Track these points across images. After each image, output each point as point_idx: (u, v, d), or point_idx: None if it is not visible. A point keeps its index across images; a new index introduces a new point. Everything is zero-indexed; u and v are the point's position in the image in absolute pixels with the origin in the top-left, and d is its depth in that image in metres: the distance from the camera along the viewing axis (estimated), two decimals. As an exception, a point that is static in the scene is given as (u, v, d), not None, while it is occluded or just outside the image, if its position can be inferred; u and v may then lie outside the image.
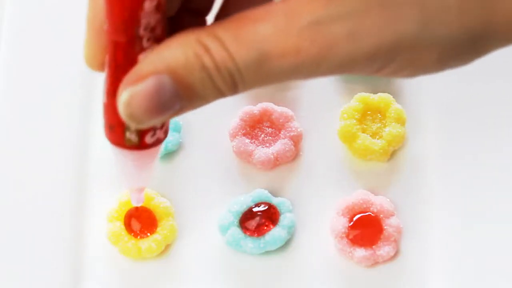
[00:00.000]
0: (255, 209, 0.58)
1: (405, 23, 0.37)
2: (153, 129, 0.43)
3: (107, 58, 0.40)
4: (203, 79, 0.38)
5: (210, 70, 0.38)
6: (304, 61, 0.38)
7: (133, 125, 0.41)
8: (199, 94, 0.39)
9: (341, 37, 0.37)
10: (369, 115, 0.61)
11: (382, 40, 0.38)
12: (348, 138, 0.60)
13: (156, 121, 0.40)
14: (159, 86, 0.38)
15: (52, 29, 0.63)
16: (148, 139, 0.43)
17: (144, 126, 0.41)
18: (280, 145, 0.60)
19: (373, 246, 0.58)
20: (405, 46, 0.38)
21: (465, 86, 0.62)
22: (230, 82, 0.38)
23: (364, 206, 0.59)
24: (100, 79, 0.63)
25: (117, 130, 0.43)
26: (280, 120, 0.61)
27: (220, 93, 0.39)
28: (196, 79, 0.38)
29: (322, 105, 0.62)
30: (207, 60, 0.38)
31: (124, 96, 0.39)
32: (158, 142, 0.44)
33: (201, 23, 0.42)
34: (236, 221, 0.58)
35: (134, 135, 0.43)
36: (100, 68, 0.42)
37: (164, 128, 0.43)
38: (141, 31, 0.39)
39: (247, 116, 0.61)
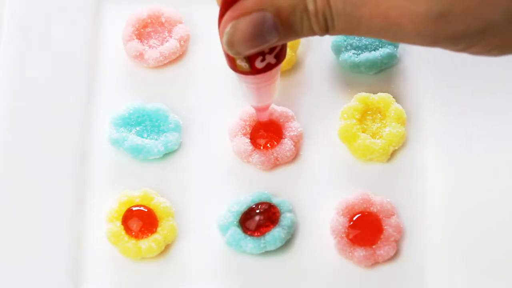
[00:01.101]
0: (255, 209, 0.58)
1: (494, 12, 0.41)
2: (262, 54, 0.48)
3: None
4: (303, 20, 0.45)
5: (310, 13, 0.45)
6: (390, 27, 0.43)
7: (231, 54, 0.47)
8: (296, 31, 0.46)
9: (430, 16, 0.41)
10: (369, 115, 0.61)
11: (469, 26, 0.41)
12: (348, 138, 0.60)
13: (252, 51, 0.47)
14: (262, 21, 0.45)
15: (52, 29, 0.63)
16: (258, 64, 0.49)
17: (241, 55, 0.47)
18: (280, 145, 0.60)
19: (373, 246, 0.58)
20: (491, 33, 0.42)
21: (465, 86, 0.62)
22: (323, 26, 0.45)
23: (364, 206, 0.59)
24: (100, 79, 0.63)
25: (230, 58, 0.49)
26: (280, 120, 0.61)
27: (313, 32, 0.46)
28: (297, 19, 0.45)
29: (322, 105, 0.62)
30: (310, 5, 0.45)
31: (228, 27, 0.46)
32: (269, 67, 0.49)
33: None
34: (236, 221, 0.58)
35: (244, 62, 0.49)
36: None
37: (274, 53, 0.49)
38: None
39: (247, 116, 0.61)
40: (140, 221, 0.58)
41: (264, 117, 0.59)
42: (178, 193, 0.60)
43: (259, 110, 0.57)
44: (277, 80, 0.53)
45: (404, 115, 0.61)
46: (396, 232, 0.58)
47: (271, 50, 0.49)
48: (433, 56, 0.63)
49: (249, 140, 0.60)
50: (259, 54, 0.48)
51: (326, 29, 0.46)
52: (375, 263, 0.58)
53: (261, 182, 0.60)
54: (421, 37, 0.43)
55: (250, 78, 0.50)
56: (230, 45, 0.47)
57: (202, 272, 0.58)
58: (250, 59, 0.48)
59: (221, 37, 0.47)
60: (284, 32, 0.46)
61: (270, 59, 0.49)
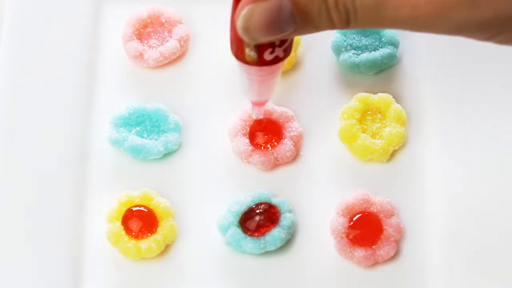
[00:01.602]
0: (255, 209, 0.58)
1: None
2: (272, 46, 0.47)
3: None
4: (321, 10, 0.43)
5: (329, 3, 0.43)
6: (418, 17, 0.42)
7: (246, 39, 0.45)
8: (313, 22, 0.44)
9: (460, 2, 0.40)
10: (369, 115, 0.61)
11: (500, 11, 0.41)
12: (348, 138, 0.60)
13: (267, 39, 0.45)
14: (279, 7, 0.43)
15: (52, 29, 0.63)
16: (267, 55, 0.48)
17: (256, 41, 0.46)
18: (280, 145, 0.60)
19: (373, 246, 0.58)
20: None
21: (465, 86, 0.62)
22: (345, 18, 0.43)
23: (364, 206, 0.59)
24: (100, 79, 0.63)
25: (239, 45, 0.48)
26: (280, 120, 0.61)
27: (332, 25, 0.44)
28: (315, 9, 0.43)
29: (322, 105, 0.62)
30: None
31: (245, 10, 0.44)
32: (277, 60, 0.48)
33: None
34: (236, 221, 0.58)
35: (254, 52, 0.47)
36: None
37: (283, 46, 0.47)
38: None
39: (247, 116, 0.61)
40: (140, 221, 0.58)
41: (260, 113, 0.58)
42: (178, 193, 0.60)
43: (256, 104, 0.56)
44: (279, 75, 0.52)
45: (404, 115, 0.61)
46: (396, 232, 0.58)
47: (282, 43, 0.48)
48: (433, 56, 0.63)
49: (249, 140, 0.60)
50: (270, 45, 0.47)
51: (347, 21, 0.44)
52: (375, 263, 0.58)
53: (261, 182, 0.60)
54: (447, 25, 0.42)
55: (255, 69, 0.50)
56: (245, 29, 0.45)
57: (202, 272, 0.58)
58: (259, 50, 0.48)
59: (236, 21, 0.46)
60: (301, 23, 0.45)
61: (279, 52, 0.48)
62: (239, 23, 0.45)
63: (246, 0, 0.45)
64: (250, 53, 0.48)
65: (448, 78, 0.62)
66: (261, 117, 0.58)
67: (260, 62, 0.49)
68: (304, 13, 0.44)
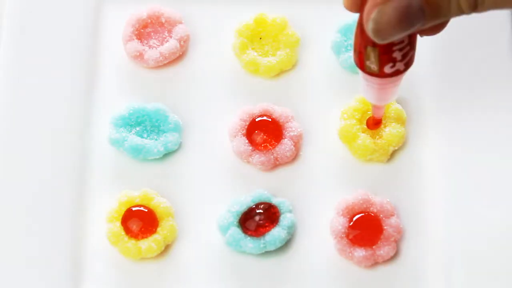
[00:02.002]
0: (255, 209, 0.58)
1: None
2: (393, 61, 0.48)
3: None
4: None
5: None
6: None
7: (376, 40, 0.46)
8: (442, 11, 0.45)
9: None
10: (369, 115, 0.61)
11: None
12: (348, 138, 0.60)
13: (399, 36, 0.45)
14: (408, 3, 0.44)
15: (52, 29, 0.63)
16: (387, 69, 0.48)
17: (387, 40, 0.46)
18: (280, 145, 0.60)
19: (373, 246, 0.58)
20: None
21: (465, 86, 0.62)
22: (473, 3, 0.45)
23: (364, 206, 0.59)
24: (100, 79, 0.63)
25: (360, 57, 0.49)
26: (280, 120, 0.61)
27: (460, 11, 0.45)
28: None
29: (322, 105, 0.62)
30: None
31: (375, 12, 0.45)
32: (397, 73, 0.49)
33: None
34: (236, 221, 0.58)
35: (374, 65, 0.48)
36: (356, 9, 0.48)
37: (405, 60, 0.48)
38: None
39: (247, 116, 0.61)
40: (140, 221, 0.58)
41: (380, 113, 0.58)
42: (178, 193, 0.60)
43: (376, 107, 0.57)
44: (400, 83, 0.52)
45: (404, 115, 0.61)
46: (396, 232, 0.58)
47: (403, 57, 0.48)
48: (433, 56, 0.63)
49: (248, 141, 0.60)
50: (391, 60, 0.48)
51: (475, 6, 0.45)
52: (375, 263, 0.58)
53: (261, 182, 0.60)
54: None
55: (375, 79, 0.50)
56: (376, 32, 0.45)
57: (202, 272, 0.58)
58: (380, 63, 0.48)
59: (365, 25, 0.46)
60: (430, 14, 0.45)
61: (400, 66, 0.49)
62: (370, 26, 0.45)
63: (372, 2, 0.45)
64: (370, 65, 0.49)
65: (448, 78, 0.62)
66: (381, 116, 0.59)
67: (380, 74, 0.49)
68: (434, 4, 0.45)
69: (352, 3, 0.48)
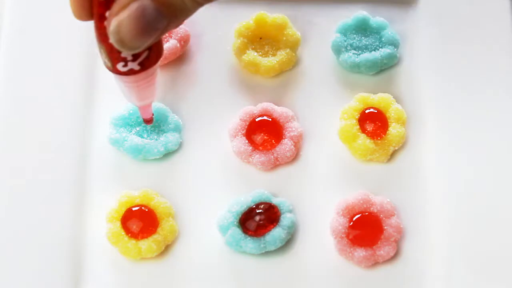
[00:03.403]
0: (255, 210, 0.58)
1: None
2: (124, 60, 0.47)
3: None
4: None
5: None
6: None
7: (125, 51, 0.45)
8: (180, 8, 0.44)
9: None
10: (368, 114, 0.61)
11: None
12: (348, 138, 0.60)
13: (146, 43, 0.44)
14: (142, 8, 0.43)
15: (52, 29, 0.63)
16: (121, 67, 0.47)
17: (138, 50, 0.45)
18: (280, 145, 0.60)
19: (373, 246, 0.58)
20: None
21: (465, 86, 0.62)
22: None
23: (364, 206, 0.59)
24: (100, 79, 0.63)
25: (101, 52, 0.47)
26: (280, 120, 0.61)
27: (198, 4, 0.44)
28: None
29: (322, 105, 0.62)
30: None
31: (112, 25, 0.44)
32: (132, 72, 0.48)
33: None
34: (236, 221, 0.58)
35: (108, 61, 0.47)
36: (87, 17, 0.46)
37: (137, 60, 0.47)
38: None
39: (247, 116, 0.61)
40: (140, 221, 0.58)
41: (147, 114, 0.56)
42: (178, 193, 0.60)
43: (141, 107, 0.55)
44: (153, 81, 0.51)
45: (404, 115, 0.61)
46: (396, 232, 0.58)
47: (135, 57, 0.47)
48: (433, 56, 0.63)
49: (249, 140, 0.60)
50: (121, 59, 0.47)
51: None
52: (375, 263, 0.58)
53: (261, 182, 0.60)
54: None
55: (118, 76, 0.49)
56: (121, 43, 0.45)
57: (202, 272, 0.58)
58: (111, 61, 0.47)
59: (110, 38, 0.45)
60: (169, 14, 0.44)
61: (134, 65, 0.48)
62: (112, 40, 0.45)
63: (109, 15, 0.44)
64: (105, 61, 0.48)
65: (448, 79, 0.62)
66: (147, 117, 0.57)
67: (115, 71, 0.48)
68: (167, 3, 0.44)
69: (80, 11, 0.46)
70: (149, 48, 0.47)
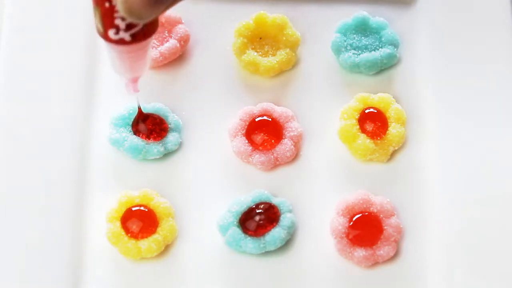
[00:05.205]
0: (255, 209, 0.58)
1: None
2: (116, 27, 0.46)
3: None
4: None
5: None
6: None
7: (135, 20, 0.44)
8: None
9: None
10: (367, 114, 0.61)
11: None
12: (348, 138, 0.60)
13: (155, 13, 0.44)
14: None
15: (52, 28, 0.63)
16: (112, 35, 0.47)
17: (145, 19, 0.44)
18: (280, 145, 0.60)
19: (373, 246, 0.58)
20: None
21: (465, 86, 0.62)
22: None
23: (364, 206, 0.59)
24: (100, 79, 0.63)
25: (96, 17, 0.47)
26: (280, 120, 0.61)
27: None
28: None
29: (322, 105, 0.62)
30: None
31: None
32: (121, 42, 0.47)
33: None
34: (236, 221, 0.58)
35: (100, 25, 0.47)
36: None
37: (130, 31, 0.46)
38: None
39: (247, 116, 0.61)
40: (140, 221, 0.58)
41: (135, 88, 0.55)
42: (178, 193, 0.60)
43: (129, 81, 0.55)
44: (145, 54, 0.51)
45: (404, 115, 0.61)
46: (396, 232, 0.58)
47: (128, 28, 0.47)
48: (433, 56, 0.63)
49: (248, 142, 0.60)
50: (113, 25, 0.47)
51: None
52: (375, 263, 0.58)
53: (261, 182, 0.60)
54: None
55: (109, 45, 0.49)
56: (129, 11, 0.44)
57: (202, 272, 0.58)
58: (103, 25, 0.47)
59: (117, 5, 0.45)
60: None
61: (125, 35, 0.47)
62: (121, 7, 0.44)
63: None
64: (98, 25, 0.47)
65: (448, 79, 0.62)
66: (136, 92, 0.56)
67: (105, 37, 0.48)
68: None
69: None
70: (145, 23, 0.47)
